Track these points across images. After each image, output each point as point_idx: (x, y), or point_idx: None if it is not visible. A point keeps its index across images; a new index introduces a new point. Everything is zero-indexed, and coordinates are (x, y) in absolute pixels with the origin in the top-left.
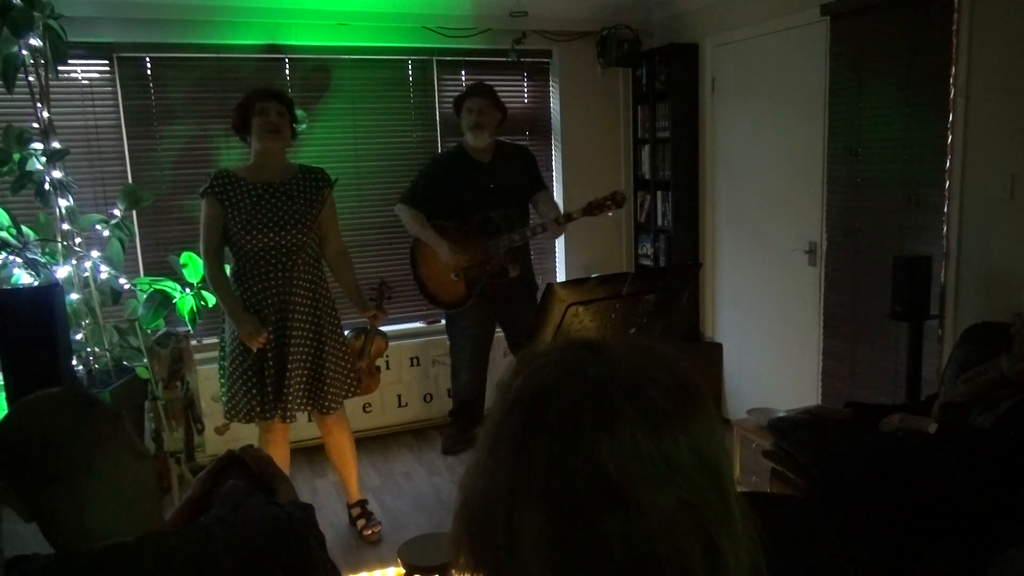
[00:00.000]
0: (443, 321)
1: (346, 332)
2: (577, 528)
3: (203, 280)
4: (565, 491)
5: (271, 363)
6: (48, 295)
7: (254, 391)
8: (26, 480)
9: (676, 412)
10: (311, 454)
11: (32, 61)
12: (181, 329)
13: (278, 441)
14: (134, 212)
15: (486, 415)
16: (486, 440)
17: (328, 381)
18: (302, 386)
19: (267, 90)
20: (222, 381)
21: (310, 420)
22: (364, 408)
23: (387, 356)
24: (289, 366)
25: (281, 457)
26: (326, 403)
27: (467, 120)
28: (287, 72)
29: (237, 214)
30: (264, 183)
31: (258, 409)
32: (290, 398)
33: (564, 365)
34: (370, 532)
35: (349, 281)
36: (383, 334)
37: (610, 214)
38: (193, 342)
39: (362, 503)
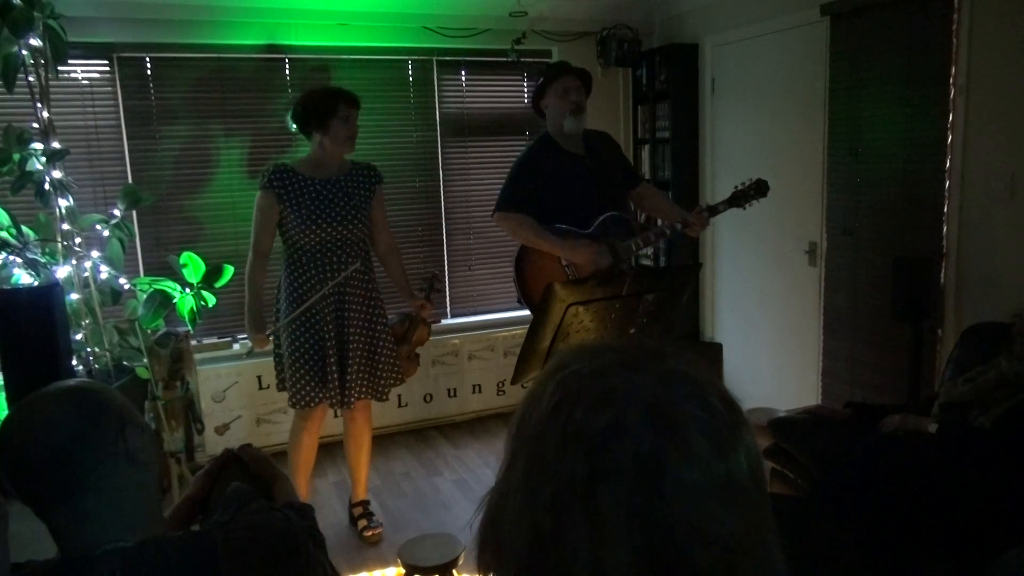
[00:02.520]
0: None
1: (390, 316)
2: (671, 569)
3: (203, 280)
4: (655, 538)
5: (333, 353)
6: (48, 295)
7: (318, 379)
8: (27, 494)
9: (730, 430)
10: None
11: (32, 61)
12: (181, 329)
13: (314, 429)
14: (134, 212)
15: (516, 444)
16: (533, 481)
17: (382, 370)
18: (362, 375)
19: (352, 96)
20: (280, 370)
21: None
22: None
23: None
24: (350, 356)
25: (312, 444)
26: (382, 390)
27: (563, 104)
28: (287, 72)
29: (296, 209)
30: (322, 179)
31: (321, 396)
32: (352, 387)
33: (613, 393)
34: (371, 533)
35: (399, 273)
36: (427, 323)
37: (751, 205)
38: (193, 342)
39: (365, 503)
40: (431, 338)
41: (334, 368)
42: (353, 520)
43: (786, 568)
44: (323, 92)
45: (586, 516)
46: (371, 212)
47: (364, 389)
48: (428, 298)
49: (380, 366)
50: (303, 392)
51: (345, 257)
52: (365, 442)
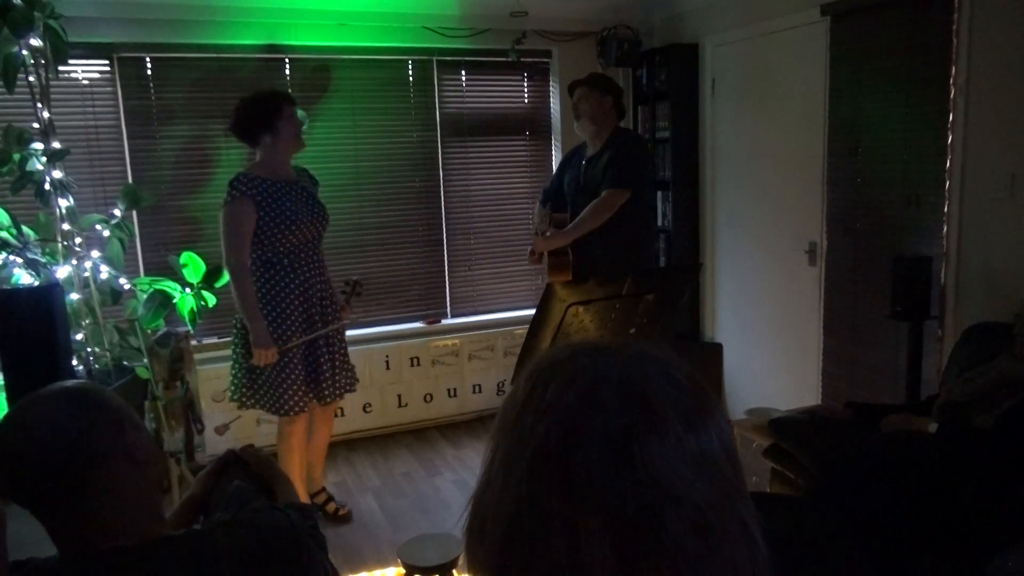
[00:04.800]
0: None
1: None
2: (645, 533)
3: (203, 280)
4: (627, 502)
5: (324, 351)
6: (48, 295)
7: (308, 381)
8: (26, 497)
9: (700, 407)
10: None
11: (32, 61)
12: (181, 329)
13: (301, 433)
14: (134, 212)
15: (498, 430)
16: (511, 459)
17: (346, 365)
18: (345, 367)
19: (292, 97)
20: (245, 382)
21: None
22: (364, 408)
23: (386, 356)
24: (335, 351)
25: (303, 448)
26: (349, 384)
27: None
28: (287, 72)
29: (274, 212)
30: (284, 181)
31: (308, 399)
32: (339, 377)
33: (583, 370)
34: (345, 512)
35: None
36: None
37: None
38: (193, 342)
39: (323, 488)
40: (432, 338)
41: (328, 365)
42: (320, 505)
43: (767, 550)
44: (263, 95)
45: (560, 480)
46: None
47: (347, 381)
48: (348, 302)
49: (344, 362)
50: (295, 398)
51: (314, 257)
52: (328, 436)
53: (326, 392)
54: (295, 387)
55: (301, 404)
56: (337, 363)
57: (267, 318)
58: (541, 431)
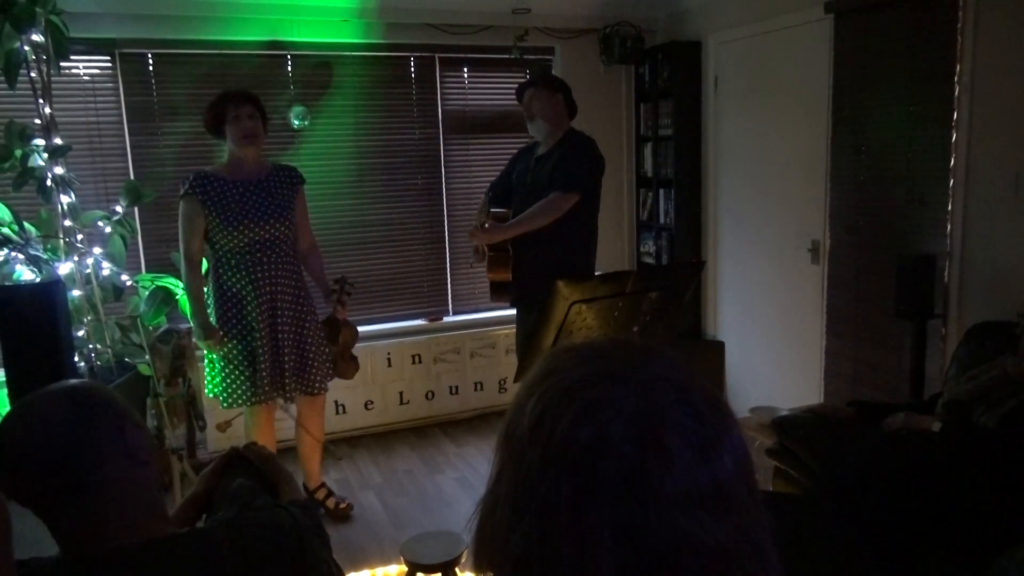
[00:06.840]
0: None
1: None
2: None
3: (205, 276)
4: (641, 550)
5: (264, 351)
6: (50, 291)
7: (248, 377)
8: (28, 497)
9: (715, 431)
10: None
11: (34, 57)
12: (183, 326)
13: (263, 427)
14: (136, 208)
15: (503, 454)
16: (519, 498)
17: (314, 365)
18: (295, 371)
19: (238, 94)
20: (215, 374)
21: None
22: (366, 405)
23: (388, 353)
24: (284, 353)
25: (267, 443)
26: (315, 385)
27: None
28: (289, 68)
29: (220, 211)
30: (243, 180)
31: (252, 394)
32: (286, 382)
33: (594, 405)
34: (344, 506)
35: (319, 272)
36: (350, 324)
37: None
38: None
39: (323, 484)
40: (434, 335)
41: (266, 365)
42: (320, 502)
43: (782, 569)
44: (213, 100)
45: (571, 532)
46: (296, 213)
47: (297, 385)
48: (340, 300)
49: (310, 362)
50: (230, 391)
51: (273, 257)
52: (312, 433)
53: (262, 392)
54: (229, 380)
55: (232, 399)
56: (288, 365)
57: (228, 312)
58: (551, 479)
